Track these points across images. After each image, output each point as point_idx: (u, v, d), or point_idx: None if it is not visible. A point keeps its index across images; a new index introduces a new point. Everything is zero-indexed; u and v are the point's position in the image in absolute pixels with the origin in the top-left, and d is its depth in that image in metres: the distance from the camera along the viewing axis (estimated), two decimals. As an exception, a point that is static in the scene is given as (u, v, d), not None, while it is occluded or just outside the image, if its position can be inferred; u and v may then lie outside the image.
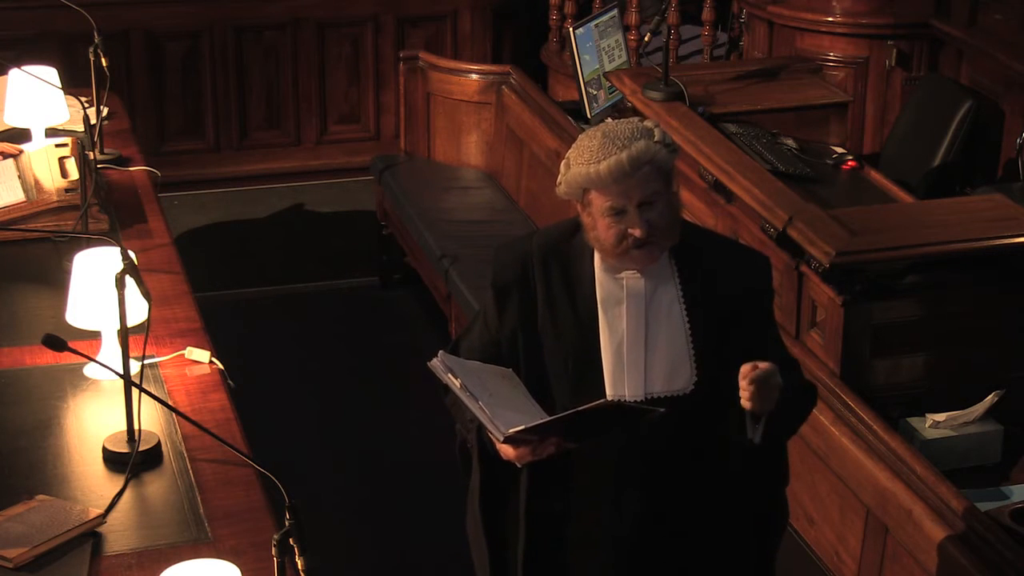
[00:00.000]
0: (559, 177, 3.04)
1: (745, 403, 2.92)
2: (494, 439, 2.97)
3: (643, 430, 3.01)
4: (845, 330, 4.38)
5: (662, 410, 2.95)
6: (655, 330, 3.04)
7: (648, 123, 3.01)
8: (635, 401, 3.03)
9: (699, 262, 3.07)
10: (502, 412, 2.96)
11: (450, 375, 2.99)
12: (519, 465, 3.03)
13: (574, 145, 3.02)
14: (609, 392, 3.04)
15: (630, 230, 2.95)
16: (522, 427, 2.90)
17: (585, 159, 2.96)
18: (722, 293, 3.06)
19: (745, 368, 2.91)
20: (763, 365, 2.91)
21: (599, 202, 2.97)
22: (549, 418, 2.93)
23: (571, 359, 3.07)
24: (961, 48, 6.31)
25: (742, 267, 3.11)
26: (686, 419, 3.04)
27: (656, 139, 2.96)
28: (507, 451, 3.00)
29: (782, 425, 3.06)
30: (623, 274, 3.04)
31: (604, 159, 2.93)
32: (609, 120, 3.06)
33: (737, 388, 2.93)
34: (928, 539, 3.74)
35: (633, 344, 3.03)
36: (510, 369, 3.11)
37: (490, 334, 3.16)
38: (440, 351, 3.08)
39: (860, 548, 4.04)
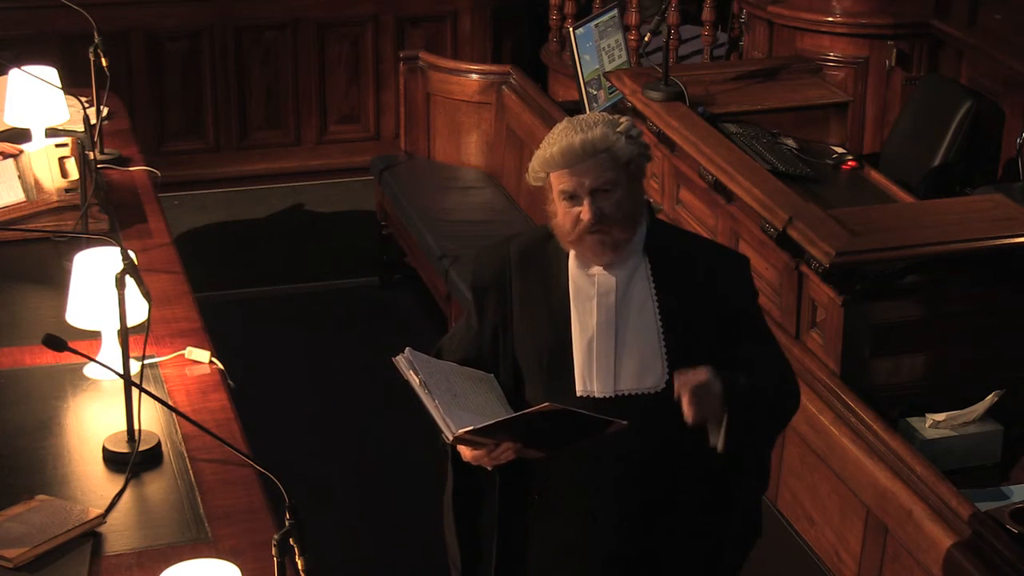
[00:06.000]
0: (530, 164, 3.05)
1: (685, 412, 2.88)
2: (444, 438, 2.96)
3: (611, 438, 2.96)
4: (845, 330, 4.38)
5: (624, 423, 2.92)
6: (625, 327, 3.02)
7: (621, 117, 3.01)
8: (592, 405, 2.98)
9: (675, 261, 3.05)
10: (460, 413, 2.94)
11: (411, 372, 2.99)
12: (486, 467, 3.03)
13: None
14: (579, 388, 3.03)
15: (580, 215, 2.95)
16: (471, 427, 2.89)
17: (547, 142, 2.97)
18: (699, 294, 3.03)
19: (679, 375, 2.89)
20: (697, 373, 2.88)
21: (556, 185, 2.98)
22: (495, 420, 2.91)
23: (545, 355, 3.07)
24: (961, 48, 6.31)
25: (720, 268, 3.08)
26: (659, 417, 3.01)
27: (619, 130, 2.95)
28: (464, 452, 3.01)
29: (749, 430, 3.00)
30: (594, 270, 3.03)
31: (559, 142, 2.94)
32: (583, 114, 3.06)
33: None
34: (928, 539, 3.74)
35: (603, 340, 3.02)
36: (491, 375, 3.12)
37: (472, 334, 3.18)
38: (408, 348, 3.06)
39: (860, 548, 4.04)
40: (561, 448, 3.03)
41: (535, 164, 3.00)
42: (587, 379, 3.03)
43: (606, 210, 2.94)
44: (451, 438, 2.92)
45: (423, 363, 3.03)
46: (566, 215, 2.97)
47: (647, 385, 3.02)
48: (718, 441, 2.94)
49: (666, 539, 3.12)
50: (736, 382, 2.93)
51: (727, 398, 2.91)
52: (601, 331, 3.02)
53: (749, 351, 3.04)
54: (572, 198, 2.96)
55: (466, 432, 2.90)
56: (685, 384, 2.88)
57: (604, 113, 3.03)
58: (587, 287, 3.04)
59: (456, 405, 2.97)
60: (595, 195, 2.94)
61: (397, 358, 3.03)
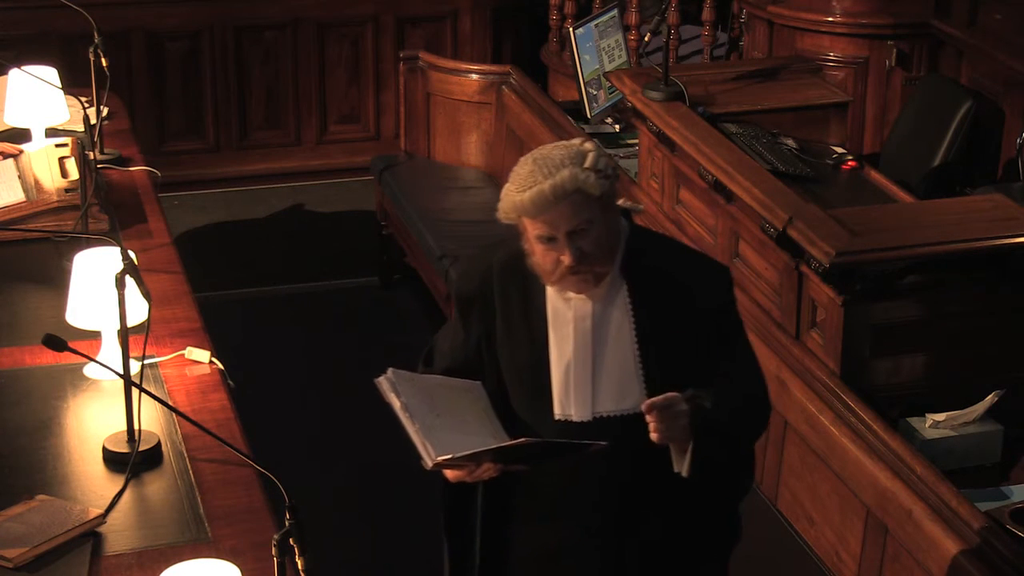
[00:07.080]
0: (499, 203, 2.98)
1: (652, 435, 2.86)
2: (424, 464, 2.94)
3: (593, 455, 2.94)
4: (845, 330, 4.38)
5: (604, 443, 2.90)
6: (601, 352, 2.99)
7: (586, 146, 2.92)
8: (571, 428, 2.98)
9: (653, 280, 3.00)
10: (441, 435, 2.93)
11: (392, 394, 2.97)
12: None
13: (512, 170, 2.95)
14: (557, 411, 3.01)
15: (561, 258, 2.90)
16: (448, 456, 2.89)
17: (515, 187, 2.89)
18: (678, 310, 2.98)
19: (645, 402, 2.87)
20: (667, 397, 2.86)
21: (531, 230, 2.92)
22: (473, 451, 2.91)
23: (525, 375, 3.05)
24: (961, 48, 6.31)
25: (700, 282, 3.03)
26: (639, 437, 2.96)
27: (586, 166, 2.86)
28: (446, 472, 3.01)
29: (714, 458, 2.96)
30: (571, 295, 2.99)
31: (528, 188, 2.86)
32: (545, 146, 2.96)
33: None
34: (928, 539, 3.74)
35: (579, 367, 2.99)
36: (478, 383, 3.10)
37: (459, 340, 3.15)
38: (390, 368, 3.03)
39: (860, 548, 4.04)
40: (543, 463, 3.02)
41: (505, 206, 2.92)
42: (565, 404, 3.01)
43: (586, 249, 2.89)
44: (430, 465, 2.91)
45: (405, 382, 3.01)
46: (545, 256, 2.92)
47: (626, 407, 3.00)
48: (683, 467, 2.93)
49: (651, 549, 3.11)
50: (703, 408, 2.90)
51: (694, 426, 2.89)
52: (578, 357, 2.99)
53: (720, 367, 3.02)
54: (550, 240, 2.90)
55: (444, 460, 2.90)
56: (653, 405, 2.85)
57: (568, 144, 2.92)
58: (564, 311, 3.01)
59: (438, 427, 2.95)
60: (572, 236, 2.88)
61: (379, 379, 3.00)
